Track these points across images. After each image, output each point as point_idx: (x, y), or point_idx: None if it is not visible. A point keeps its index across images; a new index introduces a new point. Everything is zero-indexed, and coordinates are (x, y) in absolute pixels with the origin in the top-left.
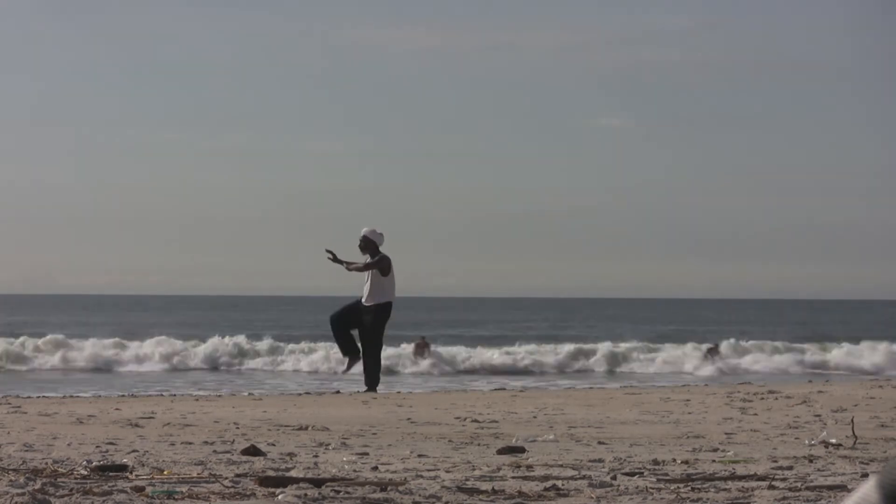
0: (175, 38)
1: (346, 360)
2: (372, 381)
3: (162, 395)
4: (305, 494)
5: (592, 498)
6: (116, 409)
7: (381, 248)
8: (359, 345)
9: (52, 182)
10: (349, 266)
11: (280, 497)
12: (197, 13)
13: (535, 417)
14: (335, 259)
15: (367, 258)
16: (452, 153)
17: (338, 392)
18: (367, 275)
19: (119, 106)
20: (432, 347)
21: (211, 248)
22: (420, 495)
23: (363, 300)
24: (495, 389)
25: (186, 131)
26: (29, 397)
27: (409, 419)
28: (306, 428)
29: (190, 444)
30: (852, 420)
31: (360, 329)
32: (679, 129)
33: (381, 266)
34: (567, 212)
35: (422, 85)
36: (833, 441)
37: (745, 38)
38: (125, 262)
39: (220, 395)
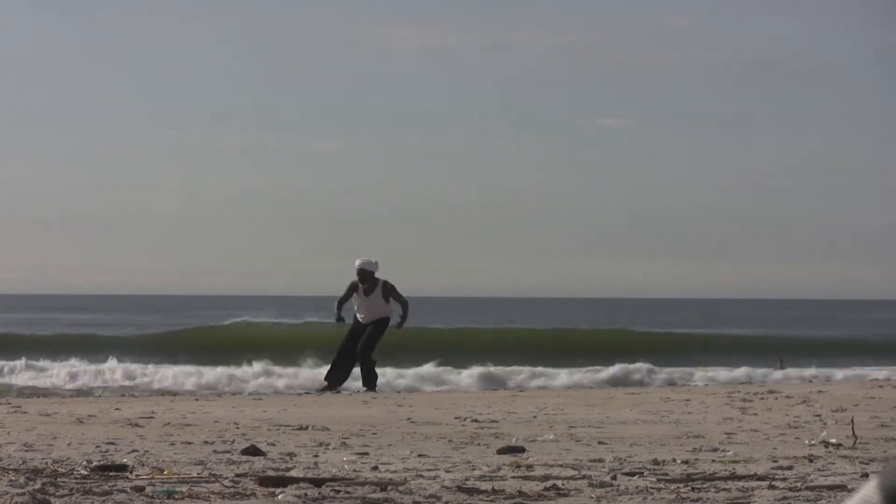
0: (176, 37)
1: (325, 383)
2: (370, 382)
3: (162, 395)
4: (305, 494)
5: (592, 498)
6: (116, 409)
7: (376, 275)
8: (347, 372)
9: (54, 182)
10: (403, 317)
11: (280, 497)
12: (197, 12)
13: (535, 417)
14: (400, 326)
15: (363, 287)
16: (452, 152)
17: (338, 392)
18: (361, 298)
19: (119, 106)
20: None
21: (214, 248)
22: (420, 495)
23: (362, 321)
24: (495, 389)
25: (187, 131)
26: (29, 397)
27: (409, 419)
28: (306, 428)
29: (190, 444)
30: (852, 420)
31: (358, 338)
32: (679, 129)
33: (392, 293)
34: (566, 212)
35: (421, 84)
36: (833, 441)
37: (744, 37)
38: (128, 262)
39: (220, 395)
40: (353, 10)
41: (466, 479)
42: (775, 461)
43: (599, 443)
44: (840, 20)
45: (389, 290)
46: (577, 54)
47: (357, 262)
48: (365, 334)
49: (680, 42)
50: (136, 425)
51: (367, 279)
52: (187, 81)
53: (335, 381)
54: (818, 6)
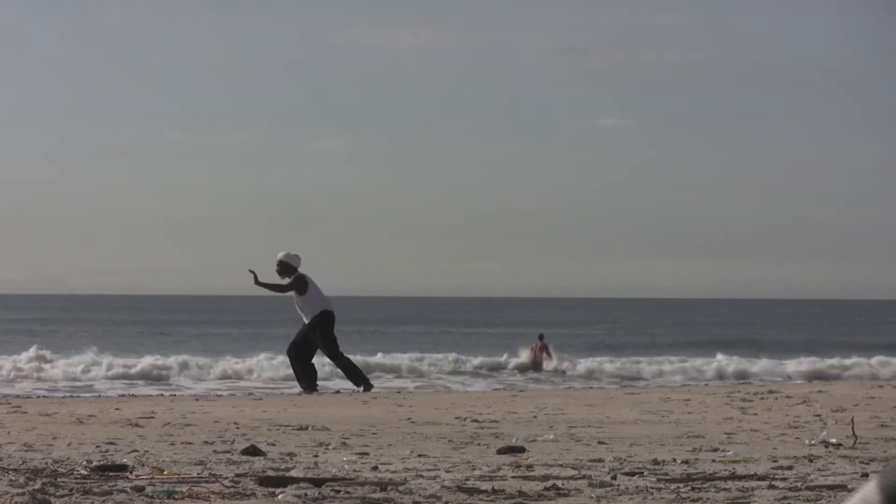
0: (176, 37)
1: (303, 388)
2: (359, 382)
3: (162, 394)
4: (305, 494)
5: (592, 498)
6: (116, 409)
7: (299, 269)
8: (310, 370)
9: (58, 182)
10: (266, 284)
11: (280, 497)
12: (196, 13)
13: (535, 417)
14: (256, 280)
15: (286, 281)
16: (451, 153)
17: (338, 392)
18: (293, 299)
19: (121, 106)
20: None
21: (214, 248)
22: (420, 495)
23: (304, 320)
24: (495, 389)
25: (187, 131)
26: (29, 397)
27: (409, 419)
28: (306, 428)
29: (190, 444)
30: (852, 420)
31: (317, 346)
32: (678, 129)
33: (295, 287)
34: (566, 211)
35: (421, 85)
36: (833, 441)
37: (743, 37)
38: (132, 262)
39: (220, 395)
40: (353, 10)
41: (466, 479)
42: (775, 461)
43: (599, 443)
44: (840, 20)
45: (298, 280)
46: (577, 54)
47: (278, 255)
48: (321, 343)
49: (680, 42)
50: (136, 425)
51: (285, 272)
52: (188, 81)
53: (308, 384)
54: (818, 6)
